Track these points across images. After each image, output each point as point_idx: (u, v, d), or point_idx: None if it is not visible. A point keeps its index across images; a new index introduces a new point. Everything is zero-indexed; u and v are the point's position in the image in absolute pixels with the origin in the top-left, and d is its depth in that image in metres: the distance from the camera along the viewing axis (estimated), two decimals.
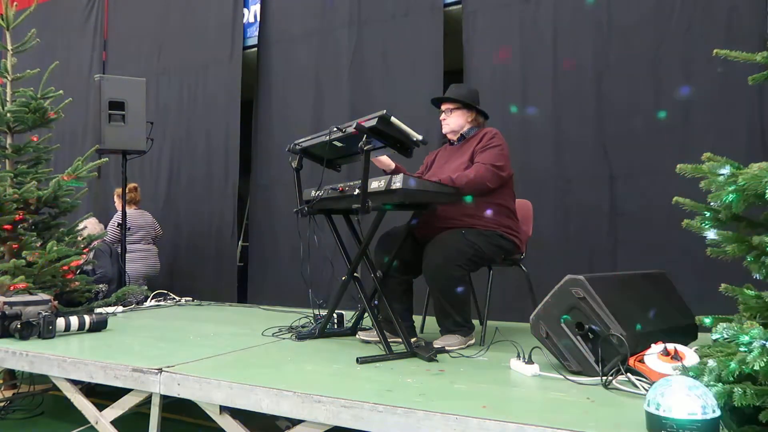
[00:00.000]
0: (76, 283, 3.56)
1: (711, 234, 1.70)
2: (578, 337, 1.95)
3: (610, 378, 1.81)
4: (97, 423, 2.23)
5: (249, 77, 5.02)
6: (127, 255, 4.46)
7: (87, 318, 2.90)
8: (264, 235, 4.85)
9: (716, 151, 1.71)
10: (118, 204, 4.74)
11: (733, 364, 1.37)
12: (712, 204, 1.69)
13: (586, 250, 3.59)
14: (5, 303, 2.71)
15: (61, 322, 2.78)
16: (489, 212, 2.57)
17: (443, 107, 2.80)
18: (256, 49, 5.02)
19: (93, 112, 4.33)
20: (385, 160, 2.69)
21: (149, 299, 4.27)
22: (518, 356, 2.08)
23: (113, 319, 3.36)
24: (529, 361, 2.02)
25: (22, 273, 3.17)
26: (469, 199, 2.52)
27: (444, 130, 2.83)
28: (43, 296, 2.92)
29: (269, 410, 1.79)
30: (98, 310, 3.49)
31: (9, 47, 3.68)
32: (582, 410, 1.57)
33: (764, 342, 1.36)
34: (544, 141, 3.76)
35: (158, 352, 2.44)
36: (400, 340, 2.39)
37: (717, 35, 3.29)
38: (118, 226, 4.53)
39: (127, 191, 4.66)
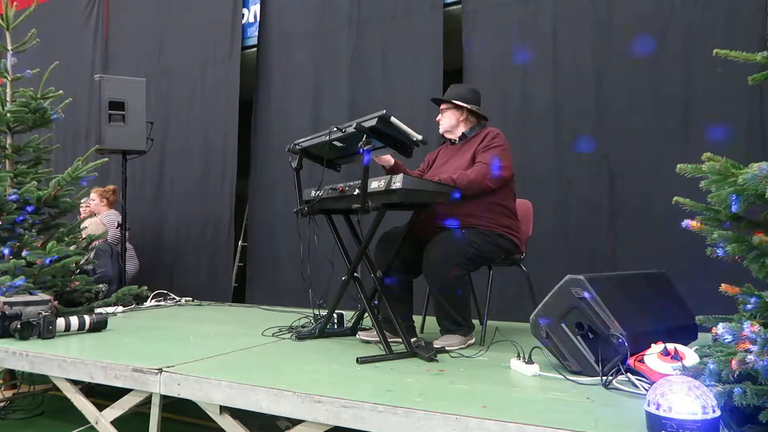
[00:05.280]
0: (76, 283, 3.56)
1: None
2: (578, 337, 1.95)
3: (610, 378, 1.81)
4: (97, 423, 2.23)
5: (249, 77, 5.02)
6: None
7: (87, 318, 2.90)
8: (263, 235, 4.85)
9: (716, 151, 1.70)
10: (100, 205, 4.75)
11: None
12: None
13: (586, 250, 3.59)
14: (5, 303, 2.71)
15: (61, 322, 2.78)
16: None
17: (441, 107, 2.85)
18: (255, 48, 5.02)
19: (93, 112, 4.34)
20: (385, 157, 2.69)
21: (149, 299, 4.27)
22: (518, 356, 2.08)
23: (113, 319, 3.36)
24: (529, 361, 2.02)
25: (22, 273, 3.17)
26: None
27: (440, 130, 2.88)
28: (43, 296, 2.92)
29: (269, 410, 1.79)
30: (98, 310, 3.48)
31: (9, 47, 3.68)
32: (582, 410, 1.57)
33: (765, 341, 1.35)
34: (544, 141, 3.76)
35: (158, 352, 2.44)
36: (400, 340, 2.39)
37: (717, 35, 3.29)
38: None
39: (105, 192, 4.75)
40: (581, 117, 3.68)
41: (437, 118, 2.86)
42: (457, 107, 2.77)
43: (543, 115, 3.79)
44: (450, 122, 2.80)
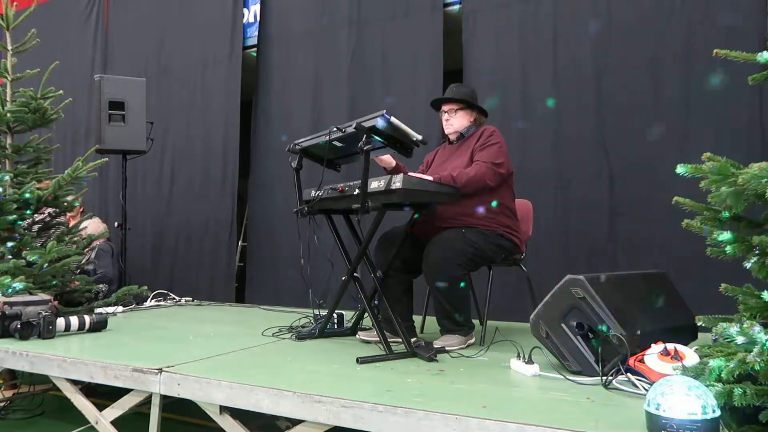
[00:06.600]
0: (77, 283, 3.56)
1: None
2: (578, 337, 1.95)
3: (610, 378, 1.81)
4: (97, 423, 2.23)
5: (249, 77, 5.02)
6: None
7: (87, 318, 2.90)
8: (263, 235, 4.85)
9: (716, 151, 1.70)
10: None
11: (732, 364, 1.37)
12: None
13: (586, 250, 3.59)
14: (5, 303, 2.71)
15: (61, 322, 2.78)
16: (480, 210, 2.57)
17: (445, 107, 2.78)
18: (255, 48, 5.02)
19: (93, 112, 4.33)
20: (386, 159, 2.69)
21: (149, 299, 4.27)
22: (518, 356, 2.08)
23: (113, 319, 3.36)
24: (529, 361, 2.02)
25: (22, 273, 3.17)
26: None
27: (447, 131, 2.82)
28: (43, 296, 2.92)
29: (269, 410, 1.79)
30: (98, 310, 3.48)
31: (9, 47, 3.68)
32: (582, 410, 1.57)
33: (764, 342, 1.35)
34: (544, 140, 3.76)
35: (158, 352, 2.44)
36: (400, 340, 2.39)
37: (717, 35, 3.29)
38: None
39: None
40: (581, 117, 3.67)
41: (445, 119, 2.79)
42: (470, 108, 2.75)
43: (543, 115, 3.78)
44: (463, 123, 2.76)
